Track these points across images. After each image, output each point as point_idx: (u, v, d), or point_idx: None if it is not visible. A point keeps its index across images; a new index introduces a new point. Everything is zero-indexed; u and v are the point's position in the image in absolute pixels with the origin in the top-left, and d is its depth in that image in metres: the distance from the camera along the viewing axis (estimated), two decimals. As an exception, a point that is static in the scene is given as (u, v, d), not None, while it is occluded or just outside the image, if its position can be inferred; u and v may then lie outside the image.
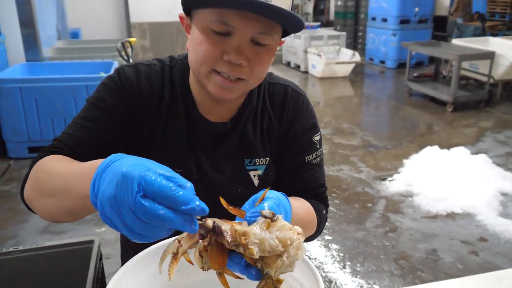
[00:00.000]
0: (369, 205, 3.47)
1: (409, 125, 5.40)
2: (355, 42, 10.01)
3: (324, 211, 1.03)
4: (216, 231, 0.59)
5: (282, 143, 1.02)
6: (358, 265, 2.73)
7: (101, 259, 1.04)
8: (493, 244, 2.93)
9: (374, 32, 8.50)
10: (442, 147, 4.25)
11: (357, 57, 7.55)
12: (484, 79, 5.89)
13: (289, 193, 0.97)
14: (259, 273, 0.61)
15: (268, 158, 1.01)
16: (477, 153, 4.16)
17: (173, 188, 0.52)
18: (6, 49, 5.14)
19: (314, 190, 1.04)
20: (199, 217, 0.57)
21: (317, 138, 1.04)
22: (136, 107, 0.92)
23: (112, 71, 0.97)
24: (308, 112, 1.04)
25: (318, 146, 1.04)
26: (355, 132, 5.06)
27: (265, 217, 0.60)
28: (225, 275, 0.63)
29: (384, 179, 3.86)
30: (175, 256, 0.63)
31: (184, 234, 0.61)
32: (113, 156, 0.58)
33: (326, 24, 11.15)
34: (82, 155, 0.87)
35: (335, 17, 10.33)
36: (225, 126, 0.97)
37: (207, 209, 0.53)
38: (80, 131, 0.89)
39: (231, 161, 0.98)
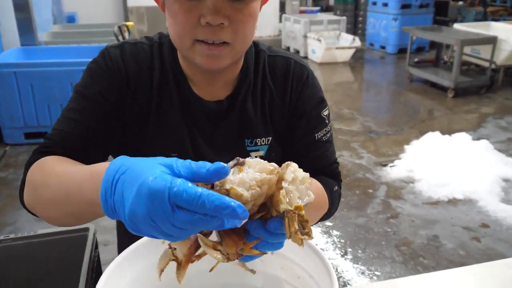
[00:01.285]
0: (370, 191, 3.43)
1: (410, 110, 5.35)
2: (355, 27, 9.88)
3: (336, 187, 0.97)
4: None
5: (288, 121, 0.96)
6: (359, 251, 2.71)
7: (96, 247, 1.00)
8: (495, 230, 2.91)
9: (374, 17, 8.39)
10: (443, 133, 4.20)
11: (358, 42, 7.46)
12: (486, 64, 5.82)
13: None
14: (280, 219, 0.55)
15: (270, 138, 0.95)
16: (478, 139, 4.12)
17: (201, 198, 0.47)
18: (1, 34, 5.05)
19: (326, 168, 0.99)
20: None
21: (325, 113, 0.98)
22: (125, 89, 0.87)
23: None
24: (315, 86, 0.98)
25: (327, 121, 0.98)
26: (355, 117, 5.01)
27: (233, 165, 0.55)
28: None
29: (385, 165, 3.82)
30: (179, 264, 0.60)
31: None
32: (117, 165, 0.53)
33: (326, 9, 11.01)
34: (75, 150, 0.82)
35: (335, 2, 10.19)
36: (221, 105, 0.91)
37: (243, 207, 0.49)
38: (69, 125, 0.84)
39: (230, 142, 0.92)
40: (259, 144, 0.94)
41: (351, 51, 7.49)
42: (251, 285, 0.77)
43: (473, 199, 3.27)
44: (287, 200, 0.53)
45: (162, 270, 0.61)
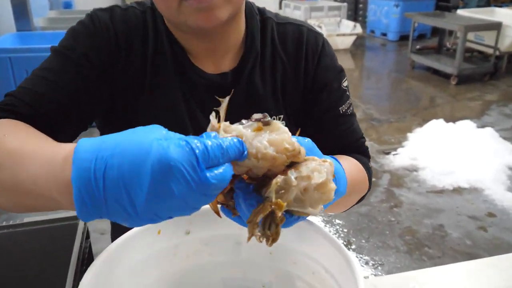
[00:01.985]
0: (373, 179, 3.34)
1: (412, 98, 5.26)
2: (356, 14, 9.73)
3: (370, 164, 0.90)
4: None
5: (306, 96, 0.87)
6: (363, 241, 2.64)
7: (88, 237, 0.92)
8: (502, 219, 2.85)
9: (375, 4, 8.24)
10: (446, 120, 4.12)
11: (359, 29, 7.34)
12: (489, 51, 5.71)
13: (326, 152, 0.85)
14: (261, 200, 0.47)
15: (282, 116, 0.86)
16: (482, 126, 4.04)
17: (224, 147, 0.43)
18: (-5, 19, 4.94)
19: (354, 144, 0.90)
20: None
21: (345, 84, 0.89)
22: (115, 54, 0.76)
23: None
24: (332, 56, 0.88)
25: (348, 93, 0.90)
26: (356, 105, 4.91)
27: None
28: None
29: (387, 153, 3.74)
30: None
31: None
32: (91, 149, 0.40)
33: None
34: (44, 116, 0.69)
35: (335, -12, 10.02)
36: (225, 78, 0.81)
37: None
38: (41, 84, 0.71)
39: (236, 120, 0.83)
40: None
41: (352, 38, 7.37)
42: (257, 279, 0.69)
43: (478, 188, 3.20)
44: (279, 191, 0.45)
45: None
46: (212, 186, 0.41)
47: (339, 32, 7.45)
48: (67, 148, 0.45)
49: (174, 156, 0.39)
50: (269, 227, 0.45)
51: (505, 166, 3.42)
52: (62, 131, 0.72)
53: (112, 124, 0.83)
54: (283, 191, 0.45)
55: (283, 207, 0.44)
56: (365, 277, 1.93)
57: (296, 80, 0.85)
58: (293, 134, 0.91)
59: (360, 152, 0.90)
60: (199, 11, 0.67)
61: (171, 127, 0.80)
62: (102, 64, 0.75)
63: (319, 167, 0.46)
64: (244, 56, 0.82)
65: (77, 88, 0.73)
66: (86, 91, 0.74)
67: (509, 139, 3.88)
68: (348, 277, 0.54)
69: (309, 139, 0.52)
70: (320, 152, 0.54)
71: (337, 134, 0.88)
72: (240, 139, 0.44)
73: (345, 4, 8.28)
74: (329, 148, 0.84)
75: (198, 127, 0.81)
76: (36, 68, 0.75)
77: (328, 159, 0.48)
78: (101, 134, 0.87)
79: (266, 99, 0.84)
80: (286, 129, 0.46)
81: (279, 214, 0.44)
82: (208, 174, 0.40)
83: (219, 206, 0.54)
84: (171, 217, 0.43)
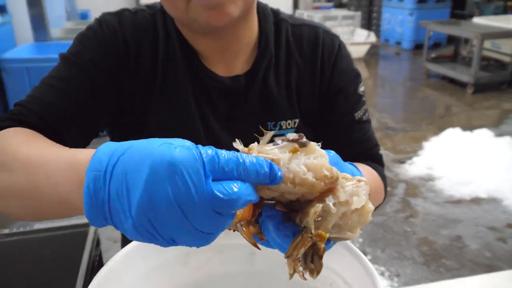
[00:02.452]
0: (388, 189, 3.29)
1: (427, 107, 5.19)
2: (369, 23, 9.69)
3: (384, 173, 0.87)
4: None
5: (322, 99, 0.84)
6: (378, 251, 2.59)
7: (98, 244, 0.90)
8: (522, 230, 2.77)
9: (389, 12, 8.21)
10: (463, 129, 4.05)
11: (373, 38, 7.30)
12: (506, 59, 5.62)
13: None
14: (298, 230, 0.43)
15: (297, 120, 0.83)
16: (500, 135, 3.96)
17: (242, 158, 0.39)
18: (14, 29, 5.03)
19: (369, 152, 0.87)
20: None
21: (362, 89, 0.87)
22: (124, 59, 0.75)
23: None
24: (348, 59, 0.86)
25: (364, 99, 0.87)
26: (371, 113, 4.84)
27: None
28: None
29: (403, 162, 3.68)
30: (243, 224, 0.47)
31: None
32: (109, 149, 0.40)
33: (339, 6, 10.84)
34: (53, 125, 0.69)
35: (349, -3, 10.02)
36: (238, 81, 0.79)
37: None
38: (49, 93, 0.70)
39: (250, 125, 0.79)
40: (284, 127, 0.82)
41: (366, 47, 7.33)
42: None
43: (497, 198, 3.12)
44: (317, 219, 0.42)
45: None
46: (219, 201, 0.36)
47: (353, 41, 7.42)
48: (89, 152, 0.45)
49: (177, 156, 0.36)
50: (311, 259, 0.42)
51: (524, 176, 3.34)
52: (70, 139, 0.71)
53: (119, 129, 0.82)
54: (320, 218, 0.42)
55: (326, 238, 0.41)
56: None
57: (311, 83, 0.83)
58: (308, 138, 0.87)
59: (375, 160, 0.87)
60: (208, 9, 0.65)
61: (181, 131, 0.78)
62: (110, 68, 0.74)
63: (357, 191, 0.43)
64: (257, 58, 0.80)
65: (85, 94, 0.72)
66: (93, 96, 0.73)
67: (528, 148, 3.79)
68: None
69: (333, 152, 0.49)
70: (345, 164, 0.51)
71: (351, 140, 0.85)
72: (270, 161, 0.40)
73: (359, 13, 8.26)
74: (342, 154, 0.82)
75: (210, 132, 0.79)
76: (45, 76, 0.74)
77: (363, 178, 0.45)
78: (112, 141, 0.86)
79: (281, 103, 0.82)
80: (323, 152, 0.43)
81: (322, 246, 0.41)
82: (214, 186, 0.37)
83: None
84: (173, 241, 0.38)
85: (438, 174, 3.44)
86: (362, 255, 0.54)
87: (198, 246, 0.40)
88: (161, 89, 0.78)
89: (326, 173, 0.41)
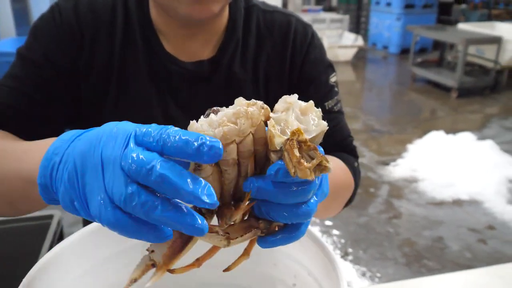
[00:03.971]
0: (372, 190, 3.31)
1: (413, 110, 5.22)
2: (358, 27, 9.76)
3: (356, 163, 0.84)
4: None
5: (292, 89, 0.82)
6: (360, 252, 2.58)
7: (61, 238, 0.86)
8: (502, 232, 2.78)
9: (377, 17, 8.27)
10: (447, 132, 4.08)
11: (360, 41, 7.34)
12: (490, 65, 5.70)
13: None
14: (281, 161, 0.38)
15: None
16: (483, 139, 4.00)
17: (166, 130, 0.35)
18: (-4, 24, 4.96)
19: (341, 143, 0.85)
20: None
21: (334, 79, 0.85)
22: (78, 49, 0.73)
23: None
24: (321, 49, 0.84)
25: (336, 89, 0.85)
26: (357, 116, 4.88)
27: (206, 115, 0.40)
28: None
29: (387, 164, 3.69)
30: (158, 268, 0.43)
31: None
32: (70, 133, 0.41)
33: (329, 9, 10.88)
34: (10, 124, 0.68)
35: (338, 1, 10.07)
36: (202, 67, 0.77)
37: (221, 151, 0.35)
38: (3, 94, 0.69)
39: None
40: None
41: (354, 50, 7.37)
42: (235, 284, 0.64)
43: (478, 200, 3.14)
44: (279, 130, 0.38)
45: (134, 280, 0.46)
46: (126, 162, 0.34)
47: (340, 44, 7.45)
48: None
49: (119, 124, 0.37)
50: (310, 158, 0.37)
51: (505, 178, 3.37)
52: (34, 134, 0.69)
53: (79, 122, 0.78)
54: (280, 128, 0.39)
55: (301, 131, 0.37)
56: (361, 289, 1.87)
57: (280, 71, 0.81)
58: None
59: (347, 151, 0.86)
60: (194, 3, 0.65)
61: (139, 119, 0.75)
62: (64, 59, 0.72)
63: (289, 100, 0.41)
64: (223, 44, 0.78)
65: (40, 91, 0.71)
66: (49, 91, 0.71)
67: (510, 152, 3.83)
68: (332, 280, 0.49)
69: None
70: None
71: None
72: (203, 136, 0.35)
73: (347, 16, 8.30)
74: None
75: (170, 120, 0.76)
76: (3, 75, 0.73)
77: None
78: None
79: (246, 89, 0.79)
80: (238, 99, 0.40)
81: (305, 138, 0.37)
82: (130, 150, 0.34)
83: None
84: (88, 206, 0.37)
85: (422, 176, 3.46)
86: (326, 244, 0.52)
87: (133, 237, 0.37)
88: (118, 76, 0.75)
89: (249, 102, 0.39)
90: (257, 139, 0.40)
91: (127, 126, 0.37)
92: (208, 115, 0.40)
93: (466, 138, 4.01)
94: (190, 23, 0.74)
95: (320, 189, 0.43)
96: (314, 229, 2.55)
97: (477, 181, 3.32)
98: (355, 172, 0.83)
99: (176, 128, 0.35)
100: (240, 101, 0.39)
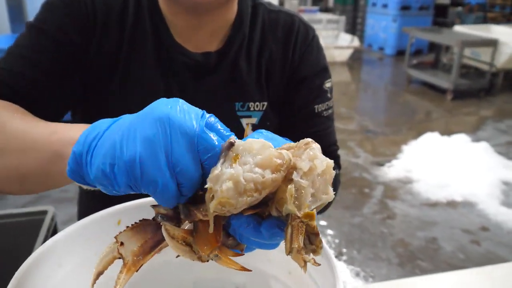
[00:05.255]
0: (366, 190, 3.31)
1: (408, 112, 5.24)
2: (354, 28, 9.78)
3: (337, 171, 0.84)
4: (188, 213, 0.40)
5: (286, 87, 0.83)
6: (354, 252, 2.58)
7: (54, 234, 0.85)
8: (496, 234, 2.80)
9: (374, 18, 8.29)
10: (442, 134, 4.10)
11: (356, 42, 7.35)
12: (485, 67, 5.73)
13: None
14: (281, 222, 0.40)
15: (265, 103, 0.81)
16: (477, 141, 4.02)
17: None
18: (-9, 20, 4.93)
19: (325, 149, 0.84)
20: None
21: (328, 85, 0.85)
22: (90, 28, 0.73)
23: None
24: (319, 51, 0.85)
25: (329, 95, 0.85)
26: (352, 116, 4.89)
27: (225, 149, 0.39)
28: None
29: (382, 165, 3.70)
30: (124, 264, 0.43)
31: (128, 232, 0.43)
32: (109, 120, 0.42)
33: (325, 10, 10.89)
34: (26, 96, 0.66)
35: (334, 2, 10.09)
36: (209, 58, 0.77)
37: None
38: (17, 63, 0.67)
39: (217, 104, 0.78)
40: (252, 109, 0.80)
41: (350, 51, 7.38)
42: (231, 281, 0.64)
43: (472, 202, 3.15)
44: (295, 201, 0.38)
45: (100, 273, 0.44)
46: (202, 138, 0.38)
47: (336, 44, 7.46)
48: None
49: (167, 113, 0.40)
50: (309, 241, 0.39)
51: (499, 180, 3.39)
52: (44, 109, 0.68)
53: (82, 104, 0.78)
54: (296, 195, 0.38)
55: (314, 214, 0.38)
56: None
57: (282, 69, 0.82)
58: (274, 125, 0.84)
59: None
60: None
61: (143, 105, 0.75)
62: (78, 38, 0.72)
63: (314, 153, 0.39)
64: (230, 38, 0.79)
65: (54, 62, 0.70)
66: (62, 65, 0.71)
67: (504, 154, 3.85)
68: (327, 278, 0.49)
69: (262, 130, 0.45)
70: (279, 137, 0.46)
71: (308, 133, 0.83)
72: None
73: (344, 17, 8.32)
74: None
75: None
76: (11, 45, 0.71)
77: (308, 139, 0.41)
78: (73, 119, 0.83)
79: (250, 84, 0.80)
80: (261, 140, 0.39)
81: (314, 224, 0.38)
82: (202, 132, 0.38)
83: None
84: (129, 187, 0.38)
85: (416, 177, 3.47)
86: (324, 244, 0.51)
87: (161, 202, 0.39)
88: (126, 61, 0.75)
89: (279, 161, 0.38)
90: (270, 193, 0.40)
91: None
92: (228, 149, 0.39)
93: (461, 140, 4.03)
94: (197, 12, 0.74)
95: None
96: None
97: (471, 182, 3.33)
98: (335, 181, 0.82)
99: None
100: (268, 156, 0.38)
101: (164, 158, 0.36)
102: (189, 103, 0.76)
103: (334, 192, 0.82)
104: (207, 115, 0.40)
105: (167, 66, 0.76)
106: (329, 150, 0.87)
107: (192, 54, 0.77)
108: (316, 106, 0.83)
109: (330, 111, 0.85)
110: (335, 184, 0.83)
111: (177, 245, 0.41)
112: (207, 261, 0.42)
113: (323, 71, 0.85)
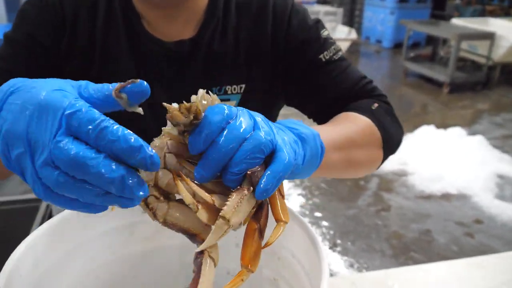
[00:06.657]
0: (362, 183, 3.33)
1: (404, 105, 5.25)
2: (352, 20, 9.75)
3: (374, 105, 0.78)
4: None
5: (280, 61, 0.81)
6: (348, 243, 2.60)
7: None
8: (489, 226, 2.82)
9: (371, 10, 8.27)
10: (437, 127, 4.11)
11: (354, 34, 7.32)
12: (482, 60, 5.73)
13: (325, 114, 0.79)
14: None
15: (243, 85, 0.80)
16: (473, 134, 4.03)
17: (103, 124, 0.37)
18: (-14, 10, 4.89)
19: (352, 89, 0.80)
20: None
21: (325, 33, 0.82)
22: (61, 31, 0.74)
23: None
24: (303, 12, 0.83)
25: (332, 40, 0.82)
26: (349, 109, 4.89)
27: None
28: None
29: (377, 158, 3.71)
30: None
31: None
32: (9, 84, 0.41)
33: (323, 2, 10.85)
34: None
35: (332, -6, 10.05)
36: (182, 46, 0.77)
37: (159, 162, 0.39)
38: None
39: (194, 91, 0.78)
40: (229, 92, 0.80)
41: (347, 43, 7.35)
42: (222, 267, 0.64)
43: (467, 195, 3.17)
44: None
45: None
46: (56, 155, 0.35)
47: (334, 37, 7.43)
48: None
49: (45, 97, 0.38)
50: None
51: (493, 173, 3.40)
52: None
53: None
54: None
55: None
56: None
57: (263, 45, 0.80)
58: (258, 104, 0.84)
59: (364, 96, 0.81)
60: None
61: None
62: (49, 39, 0.74)
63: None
64: (204, 23, 0.78)
65: (28, 68, 0.72)
66: (36, 71, 0.73)
67: (499, 148, 3.87)
68: (314, 262, 0.49)
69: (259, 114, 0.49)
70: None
71: (327, 85, 0.80)
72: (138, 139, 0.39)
73: (341, 9, 8.29)
74: (328, 102, 0.79)
75: (156, 102, 0.76)
76: None
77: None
78: None
79: (226, 67, 0.80)
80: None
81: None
82: (60, 137, 0.36)
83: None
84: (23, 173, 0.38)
85: (411, 170, 3.48)
86: (306, 223, 0.52)
87: (64, 207, 0.40)
88: (100, 57, 0.76)
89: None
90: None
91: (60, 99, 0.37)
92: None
93: (457, 133, 4.04)
94: (166, 5, 0.75)
95: (296, 161, 0.46)
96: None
97: (465, 175, 3.35)
98: (376, 116, 0.77)
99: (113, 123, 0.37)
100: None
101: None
102: (166, 92, 0.77)
103: (391, 126, 0.80)
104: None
105: (141, 58, 0.77)
106: (358, 87, 0.81)
107: (165, 43, 0.77)
108: (321, 56, 0.80)
109: (339, 54, 0.82)
110: (381, 118, 0.77)
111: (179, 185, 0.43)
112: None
113: (315, 23, 0.82)
